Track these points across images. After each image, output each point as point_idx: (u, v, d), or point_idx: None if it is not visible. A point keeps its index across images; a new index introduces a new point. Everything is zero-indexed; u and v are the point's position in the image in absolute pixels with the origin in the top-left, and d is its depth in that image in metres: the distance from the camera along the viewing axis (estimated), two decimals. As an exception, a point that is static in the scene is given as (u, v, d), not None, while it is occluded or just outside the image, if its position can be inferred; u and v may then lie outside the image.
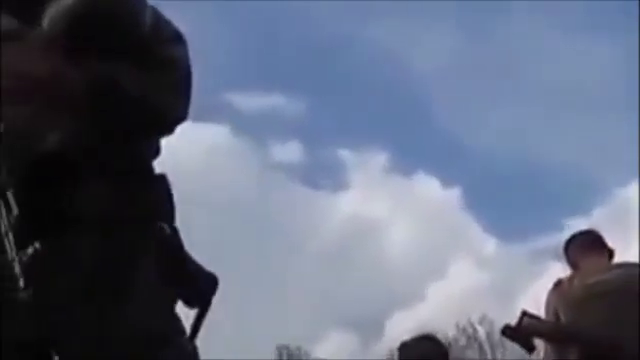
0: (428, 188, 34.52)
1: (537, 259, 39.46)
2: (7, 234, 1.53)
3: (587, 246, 3.89)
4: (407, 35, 37.92)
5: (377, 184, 35.49)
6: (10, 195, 1.54)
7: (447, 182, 34.85)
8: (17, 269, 1.49)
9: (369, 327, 27.39)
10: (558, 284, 3.79)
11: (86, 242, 1.61)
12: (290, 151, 42.20)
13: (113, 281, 1.61)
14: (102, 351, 1.57)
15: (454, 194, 37.93)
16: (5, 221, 1.54)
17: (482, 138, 38.40)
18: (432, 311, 30.77)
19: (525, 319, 3.61)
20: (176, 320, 1.73)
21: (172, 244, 1.73)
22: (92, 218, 1.63)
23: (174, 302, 1.73)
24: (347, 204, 33.99)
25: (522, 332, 3.62)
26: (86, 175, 1.63)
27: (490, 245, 39.10)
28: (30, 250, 1.50)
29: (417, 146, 39.19)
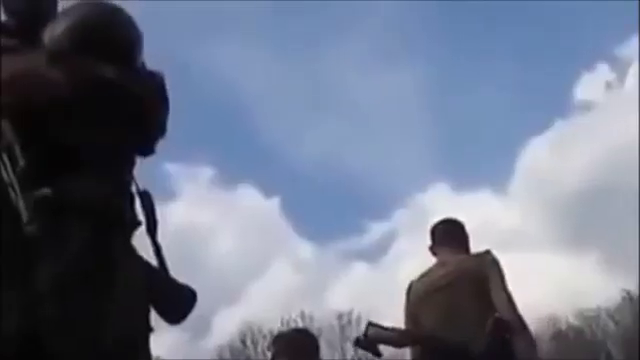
0: (251, 199, 38.19)
1: (343, 260, 48.17)
2: (12, 184, 1.58)
3: (440, 237, 3.88)
4: (234, 58, 40.61)
5: (204, 196, 37.84)
6: (17, 149, 1.59)
7: (268, 193, 38.82)
8: (21, 205, 1.55)
9: (196, 324, 27.81)
10: (409, 287, 3.88)
11: (77, 233, 1.64)
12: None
13: (97, 277, 1.64)
14: (81, 347, 1.59)
15: (274, 204, 42.03)
16: (11, 173, 1.59)
17: (300, 153, 43.01)
18: (256, 308, 33.48)
19: (370, 329, 3.71)
20: (149, 329, 1.77)
21: (156, 256, 1.82)
22: (87, 211, 1.66)
23: (149, 310, 1.78)
24: (175, 214, 34.20)
25: (369, 341, 3.72)
26: (91, 169, 1.69)
27: (305, 249, 44.66)
28: (36, 193, 1.56)
29: (241, 161, 42.85)
